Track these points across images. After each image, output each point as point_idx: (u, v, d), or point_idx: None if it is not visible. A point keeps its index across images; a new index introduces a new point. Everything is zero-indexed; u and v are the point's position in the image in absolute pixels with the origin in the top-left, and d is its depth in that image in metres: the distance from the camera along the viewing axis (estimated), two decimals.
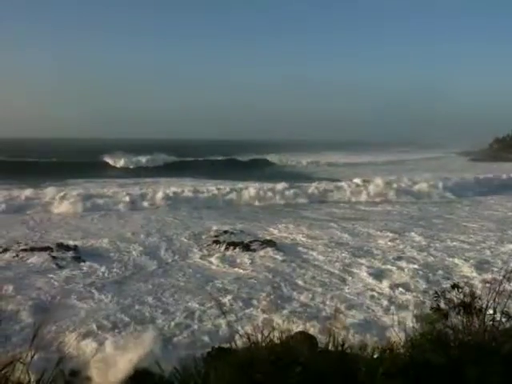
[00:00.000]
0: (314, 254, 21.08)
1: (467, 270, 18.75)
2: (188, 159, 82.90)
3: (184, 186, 39.49)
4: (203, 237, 24.02)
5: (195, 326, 13.03)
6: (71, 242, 21.67)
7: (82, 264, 18.65)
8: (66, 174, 51.88)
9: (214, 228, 26.02)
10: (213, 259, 20.11)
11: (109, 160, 73.31)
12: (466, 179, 49.18)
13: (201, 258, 20.33)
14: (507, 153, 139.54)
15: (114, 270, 18.29)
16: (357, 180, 44.44)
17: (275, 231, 26.01)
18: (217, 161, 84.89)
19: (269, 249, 21.19)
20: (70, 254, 19.64)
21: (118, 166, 71.58)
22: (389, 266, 19.14)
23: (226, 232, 24.56)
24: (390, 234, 25.25)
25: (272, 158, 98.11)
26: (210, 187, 39.49)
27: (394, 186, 43.27)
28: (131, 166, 71.71)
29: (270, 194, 38.63)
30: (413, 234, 25.48)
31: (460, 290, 5.31)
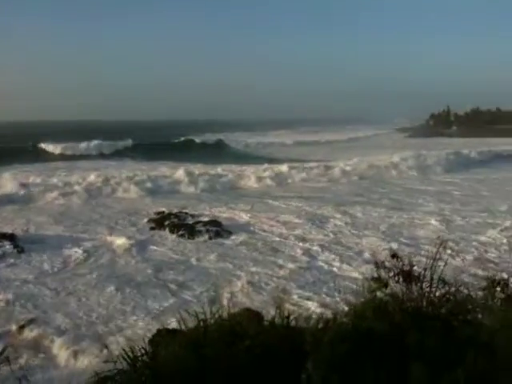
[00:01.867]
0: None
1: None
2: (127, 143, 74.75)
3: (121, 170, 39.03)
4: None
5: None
6: None
7: None
8: None
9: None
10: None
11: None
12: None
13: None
14: (442, 128, 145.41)
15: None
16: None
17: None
18: (176, 143, 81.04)
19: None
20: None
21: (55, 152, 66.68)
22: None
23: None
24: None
25: (227, 137, 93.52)
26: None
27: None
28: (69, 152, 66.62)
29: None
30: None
31: (399, 259, 5.50)
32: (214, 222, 22.36)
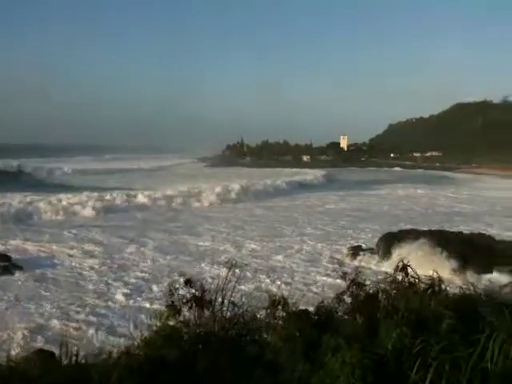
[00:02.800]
0: None
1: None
2: None
3: None
4: None
5: None
6: None
7: None
8: None
9: None
10: None
11: None
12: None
13: None
14: (237, 158, 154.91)
15: None
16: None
17: None
18: None
19: None
20: None
21: None
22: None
23: None
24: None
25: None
26: None
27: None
28: None
29: None
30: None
31: (192, 285, 5.56)
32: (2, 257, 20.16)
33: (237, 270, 5.79)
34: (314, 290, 17.60)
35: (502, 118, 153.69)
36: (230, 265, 5.66)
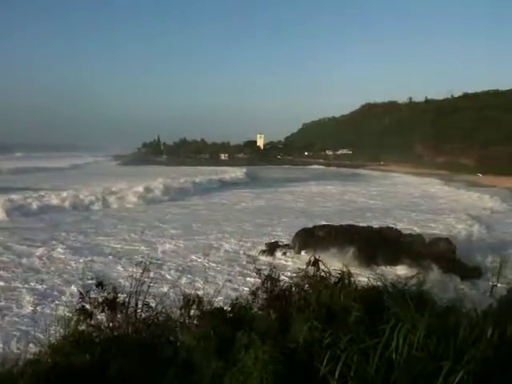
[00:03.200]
0: None
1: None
2: None
3: None
4: None
5: None
6: None
7: None
8: None
9: None
10: None
11: None
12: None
13: None
14: (153, 156, 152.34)
15: None
16: None
17: None
18: None
19: None
20: None
21: None
22: None
23: None
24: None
25: None
26: None
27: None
28: None
29: None
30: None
31: (104, 288, 5.37)
32: None
33: (152, 271, 5.68)
34: (231, 287, 17.69)
35: (407, 118, 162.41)
36: (145, 265, 5.54)
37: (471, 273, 22.07)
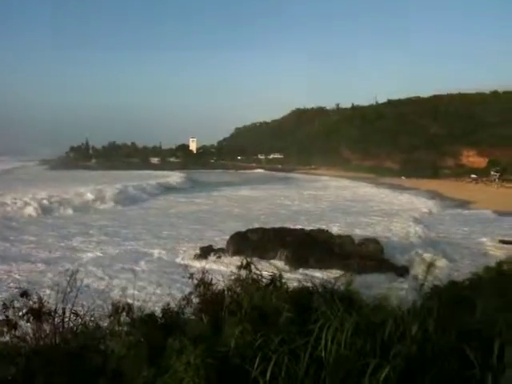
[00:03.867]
0: None
1: None
2: None
3: None
4: None
5: None
6: None
7: None
8: None
9: None
10: None
11: None
12: None
13: None
14: (82, 161, 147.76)
15: None
16: None
17: None
18: None
19: None
20: None
21: None
22: None
23: None
24: None
25: None
26: None
27: None
28: None
29: None
30: None
31: (29, 297, 5.14)
32: None
33: (80, 279, 5.50)
34: (164, 292, 17.43)
35: (335, 123, 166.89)
36: (72, 273, 5.36)
37: (399, 271, 23.01)
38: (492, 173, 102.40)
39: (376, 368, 2.57)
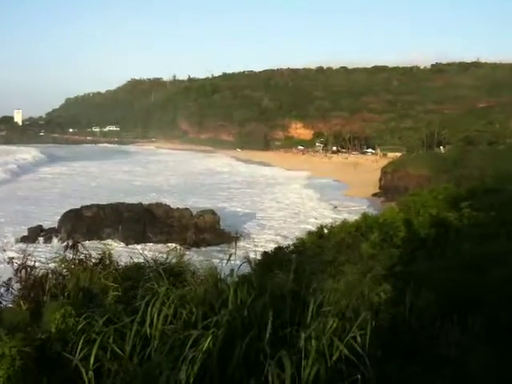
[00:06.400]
0: None
1: None
2: None
3: None
4: None
5: None
6: None
7: None
8: None
9: None
10: None
11: None
12: None
13: None
14: None
15: None
16: None
17: None
18: None
19: None
20: None
21: None
22: None
23: None
24: None
25: None
26: None
27: None
28: None
29: None
30: None
31: None
32: None
33: None
34: None
35: (172, 95, 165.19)
36: None
37: (231, 240, 23.91)
38: (317, 144, 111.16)
39: (198, 339, 2.62)
